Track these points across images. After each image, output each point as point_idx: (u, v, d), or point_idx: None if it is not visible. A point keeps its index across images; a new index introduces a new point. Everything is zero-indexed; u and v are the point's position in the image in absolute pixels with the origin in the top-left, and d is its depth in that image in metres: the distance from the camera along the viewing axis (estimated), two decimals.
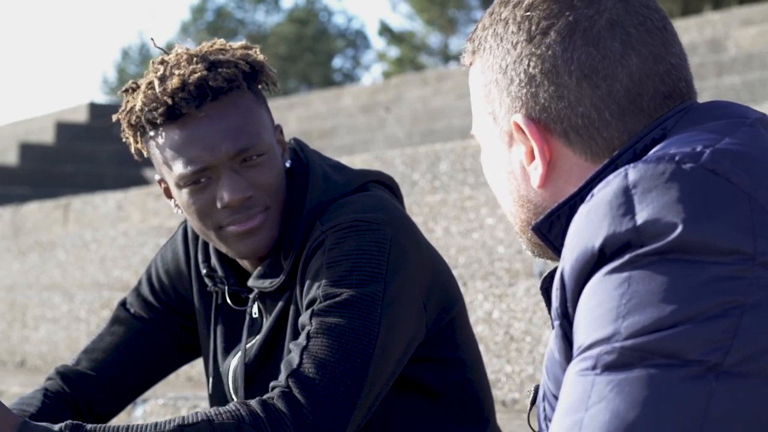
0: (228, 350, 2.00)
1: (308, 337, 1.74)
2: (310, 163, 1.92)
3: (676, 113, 1.22)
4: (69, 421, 1.71)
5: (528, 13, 1.25)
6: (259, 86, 1.91)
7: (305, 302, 1.80)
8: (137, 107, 1.84)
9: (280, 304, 1.89)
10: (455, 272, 3.62)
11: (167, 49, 1.92)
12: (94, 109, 12.72)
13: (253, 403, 1.70)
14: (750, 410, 0.99)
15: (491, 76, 1.29)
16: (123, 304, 2.10)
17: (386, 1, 64.67)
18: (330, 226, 1.81)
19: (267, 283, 1.89)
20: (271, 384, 1.74)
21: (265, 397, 1.72)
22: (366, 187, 1.92)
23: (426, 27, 33.96)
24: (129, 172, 10.28)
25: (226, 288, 1.97)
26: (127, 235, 5.06)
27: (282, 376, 1.73)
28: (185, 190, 1.85)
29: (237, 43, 1.93)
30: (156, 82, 1.83)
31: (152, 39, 2.02)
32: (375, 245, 1.78)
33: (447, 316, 1.89)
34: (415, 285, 1.81)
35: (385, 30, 34.15)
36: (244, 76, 1.85)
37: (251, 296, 1.94)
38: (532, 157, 1.26)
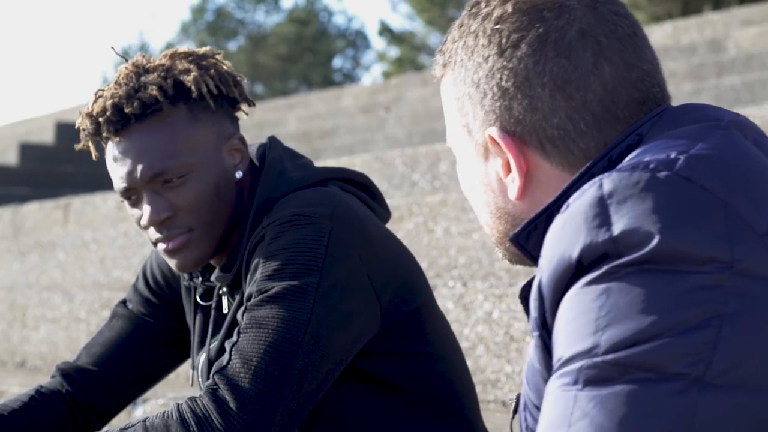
0: (201, 345, 2.03)
1: (239, 333, 1.75)
2: (266, 160, 1.93)
3: (650, 118, 1.21)
4: None
5: (498, 26, 1.24)
6: (209, 99, 1.90)
7: (245, 298, 1.81)
8: (86, 114, 1.91)
9: (237, 299, 1.91)
10: (455, 272, 3.62)
11: (128, 56, 1.98)
12: None
13: (184, 402, 1.73)
14: (734, 422, 0.98)
15: (463, 89, 1.28)
16: (123, 301, 2.13)
17: (386, 1, 64.65)
18: (270, 221, 1.82)
19: (224, 277, 1.92)
20: (205, 383, 1.78)
21: (197, 395, 1.74)
22: (324, 184, 1.92)
23: (426, 27, 33.95)
24: None
25: (200, 282, 2.00)
26: (127, 235, 5.06)
27: (212, 374, 1.74)
28: (125, 203, 1.92)
29: (199, 50, 1.96)
30: (91, 100, 1.91)
31: (113, 47, 2.11)
32: (312, 238, 1.78)
33: (407, 308, 1.87)
34: (362, 277, 1.80)
35: (385, 30, 34.15)
36: (172, 95, 1.87)
37: (215, 291, 1.97)
38: (509, 170, 1.25)
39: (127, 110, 1.85)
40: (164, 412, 1.73)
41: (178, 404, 1.74)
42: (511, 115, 1.23)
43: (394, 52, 34.86)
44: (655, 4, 18.34)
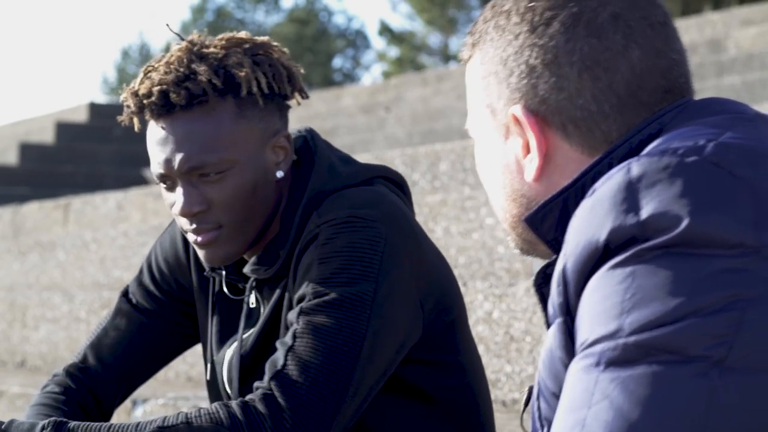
0: (223, 340, 1.98)
1: (294, 336, 1.72)
2: (317, 153, 1.90)
3: (673, 108, 1.21)
4: (53, 419, 1.72)
5: (531, 4, 1.25)
6: (258, 95, 1.84)
7: (295, 298, 1.79)
8: (131, 92, 1.86)
9: (277, 292, 1.87)
10: (455, 272, 3.62)
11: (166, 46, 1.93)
12: (94, 109, 12.72)
13: (234, 405, 1.69)
14: (752, 406, 0.99)
15: (491, 67, 1.28)
16: (125, 294, 2.09)
17: (386, 1, 64.67)
18: (325, 220, 1.79)
19: (262, 271, 1.88)
20: (255, 384, 1.73)
21: (247, 398, 1.71)
22: (371, 182, 1.89)
23: (426, 27, 33.96)
24: (129, 172, 10.28)
25: (224, 275, 1.96)
26: (127, 235, 5.06)
27: (266, 377, 1.71)
28: (161, 186, 1.88)
29: (257, 39, 1.90)
30: (139, 78, 1.85)
31: (167, 25, 2.01)
32: (368, 243, 1.76)
33: (447, 318, 1.86)
34: (410, 284, 1.79)
35: (385, 30, 34.15)
36: (222, 88, 1.82)
37: (248, 284, 1.92)
38: (528, 150, 1.25)
39: (172, 98, 1.80)
40: (210, 413, 1.68)
41: (226, 405, 1.69)
42: (536, 94, 1.23)
43: (394, 52, 34.87)
44: None
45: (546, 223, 1.22)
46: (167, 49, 1.92)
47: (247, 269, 1.90)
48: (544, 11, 1.24)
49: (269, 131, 1.87)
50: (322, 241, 1.77)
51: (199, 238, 1.84)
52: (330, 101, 12.22)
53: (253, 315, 1.94)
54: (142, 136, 1.92)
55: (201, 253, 1.87)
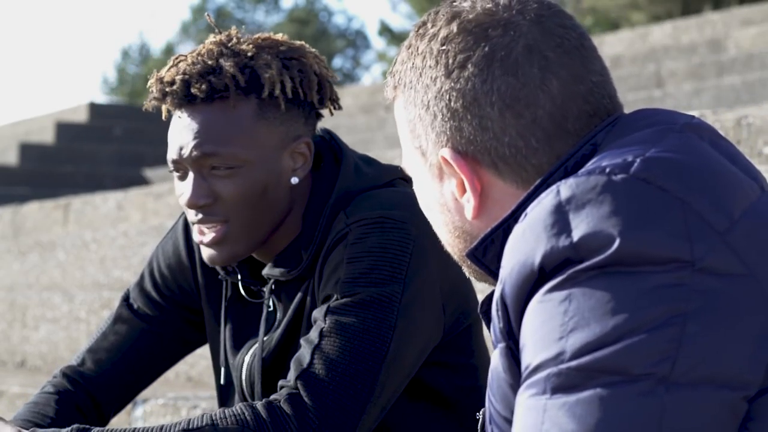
0: (238, 345, 1.95)
1: (321, 335, 1.71)
2: (343, 152, 1.89)
3: (603, 128, 1.20)
4: (76, 425, 1.70)
5: (444, 47, 1.23)
6: (280, 99, 1.82)
7: (322, 296, 1.77)
8: (157, 78, 1.86)
9: (299, 295, 1.85)
10: None
11: (218, 29, 1.91)
12: (94, 109, 12.70)
13: (259, 405, 1.68)
14: (702, 419, 0.98)
15: (414, 111, 1.27)
16: (126, 299, 2.06)
17: (386, 1, 64.65)
18: (355, 219, 1.78)
19: (285, 273, 1.85)
20: (280, 383, 1.72)
21: (272, 398, 1.69)
22: (393, 183, 1.89)
23: None
24: (129, 172, 10.28)
25: (239, 279, 1.93)
26: (127, 235, 5.06)
27: (291, 376, 1.70)
28: (174, 176, 1.88)
29: (294, 43, 1.89)
30: (169, 63, 1.85)
31: (208, 15, 2.02)
32: (398, 244, 1.75)
33: (466, 321, 1.86)
34: (435, 287, 1.78)
35: (385, 30, 34.14)
36: (245, 87, 1.81)
37: (267, 287, 1.90)
38: (464, 190, 1.24)
39: (194, 89, 1.80)
40: (235, 414, 1.67)
41: (250, 406, 1.68)
42: (462, 136, 1.22)
43: (394, 52, 34.80)
44: (655, 4, 18.34)
45: (488, 254, 1.22)
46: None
47: (266, 271, 1.88)
48: (457, 54, 1.22)
49: (290, 136, 1.85)
50: (352, 241, 1.76)
51: (204, 238, 1.83)
52: None
53: (269, 318, 1.91)
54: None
55: (205, 252, 1.85)
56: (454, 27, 1.23)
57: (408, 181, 1.92)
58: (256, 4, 41.21)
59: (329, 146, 1.92)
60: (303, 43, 1.92)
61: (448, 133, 1.23)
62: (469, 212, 1.24)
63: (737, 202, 1.07)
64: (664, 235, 1.02)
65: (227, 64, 1.81)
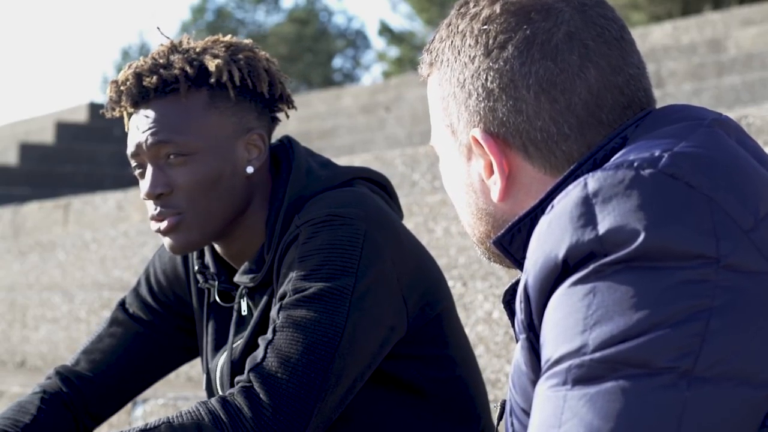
0: (217, 348, 2.00)
1: (274, 331, 1.75)
2: (294, 159, 1.92)
3: (635, 122, 1.21)
4: None
5: (485, 27, 1.24)
6: (230, 88, 1.89)
7: (277, 297, 1.81)
8: (112, 82, 1.93)
9: (264, 299, 1.89)
10: (455, 272, 3.62)
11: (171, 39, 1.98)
12: (94, 109, 12.69)
13: (213, 401, 1.71)
14: (722, 414, 0.99)
15: (449, 89, 1.27)
16: (122, 303, 2.10)
17: (386, 1, 64.64)
18: (304, 220, 1.82)
19: (249, 279, 1.90)
20: (236, 379, 1.75)
21: (226, 393, 1.72)
22: (351, 184, 1.91)
23: (426, 27, 33.94)
24: (129, 172, 10.27)
25: (216, 284, 1.98)
26: (127, 235, 5.06)
27: (245, 371, 1.73)
28: (136, 173, 1.94)
29: (242, 41, 1.96)
30: (123, 69, 1.92)
31: (158, 28, 2.06)
32: (347, 239, 1.78)
33: (432, 312, 1.88)
34: (392, 280, 1.81)
35: (385, 30, 34.15)
36: (195, 78, 1.88)
37: (237, 292, 1.94)
38: (491, 171, 1.25)
39: (145, 83, 1.87)
40: (190, 412, 1.71)
41: (205, 403, 1.72)
42: (495, 117, 1.23)
43: (394, 52, 34.87)
44: (655, 4, 18.34)
45: (515, 243, 1.22)
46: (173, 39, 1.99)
47: (236, 278, 1.93)
48: (498, 35, 1.23)
49: (242, 127, 1.90)
50: (302, 240, 1.80)
51: (161, 225, 1.87)
52: (330, 101, 12.22)
53: (245, 322, 1.95)
54: None
55: (165, 242, 1.91)
56: (497, 8, 1.24)
57: (372, 180, 1.96)
58: (256, 4, 41.19)
59: (287, 152, 1.95)
60: (250, 40, 1.98)
61: (481, 113, 1.24)
62: (495, 194, 1.25)
63: (763, 200, 1.08)
64: (690, 231, 1.02)
65: (176, 58, 1.89)
